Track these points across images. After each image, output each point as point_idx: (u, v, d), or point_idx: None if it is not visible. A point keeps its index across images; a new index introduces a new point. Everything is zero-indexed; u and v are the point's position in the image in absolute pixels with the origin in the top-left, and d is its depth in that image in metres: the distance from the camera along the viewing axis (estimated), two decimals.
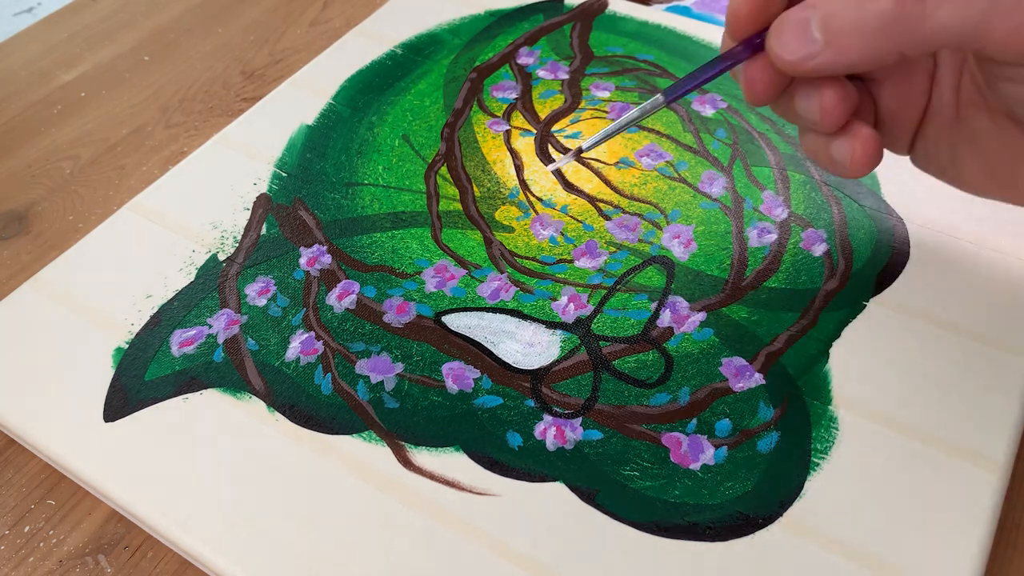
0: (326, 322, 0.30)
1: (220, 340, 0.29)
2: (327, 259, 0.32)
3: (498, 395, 0.27)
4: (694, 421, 0.26)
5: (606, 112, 0.37)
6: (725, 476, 0.25)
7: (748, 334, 0.28)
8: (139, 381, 0.28)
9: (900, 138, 0.26)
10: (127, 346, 0.29)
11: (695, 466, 0.25)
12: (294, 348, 0.29)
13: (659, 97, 0.25)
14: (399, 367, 0.28)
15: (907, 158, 0.26)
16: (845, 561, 0.23)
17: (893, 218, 0.32)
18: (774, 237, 0.31)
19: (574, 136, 0.36)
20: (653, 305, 0.30)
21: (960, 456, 0.25)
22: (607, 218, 0.33)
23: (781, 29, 0.23)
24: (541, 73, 0.40)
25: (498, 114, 0.38)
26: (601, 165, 0.35)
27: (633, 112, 0.26)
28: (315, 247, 0.32)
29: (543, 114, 0.38)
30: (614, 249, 0.32)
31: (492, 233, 0.33)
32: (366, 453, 0.26)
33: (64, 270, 0.32)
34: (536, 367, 0.28)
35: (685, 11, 0.44)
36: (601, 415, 0.27)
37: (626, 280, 0.30)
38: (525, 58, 0.40)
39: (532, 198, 0.34)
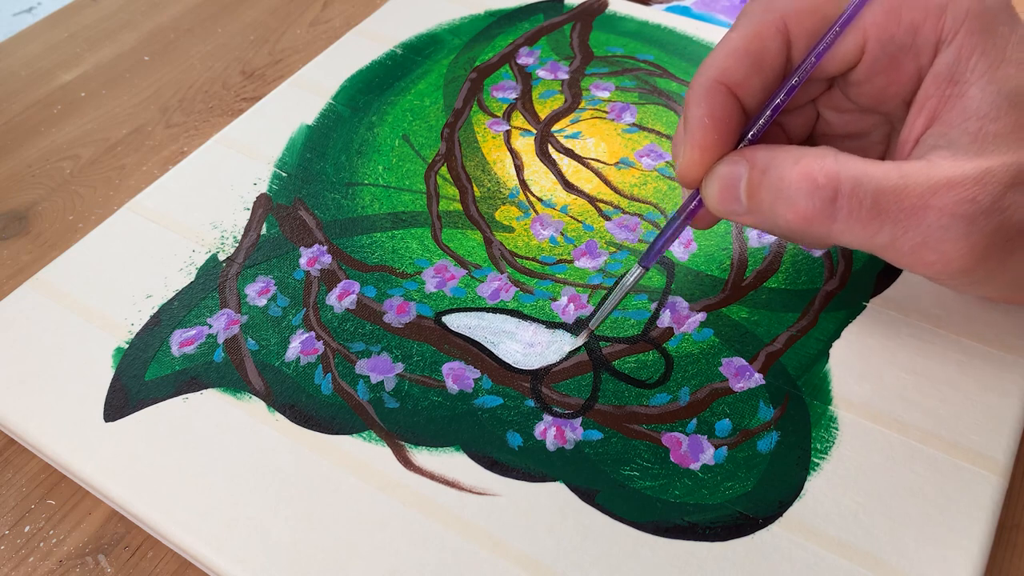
0: (326, 322, 0.30)
1: (220, 340, 0.29)
2: (327, 259, 0.32)
3: (498, 395, 0.27)
4: (694, 421, 0.26)
5: (606, 112, 0.37)
6: (725, 476, 0.25)
7: (748, 334, 0.28)
8: (139, 381, 0.28)
9: None
10: (127, 346, 0.29)
11: (695, 466, 0.25)
12: (294, 348, 0.29)
13: (638, 268, 0.26)
14: (399, 367, 0.28)
15: None
16: (845, 561, 0.23)
17: None
18: (774, 237, 0.31)
19: (574, 136, 0.36)
20: (653, 305, 0.30)
21: (960, 456, 0.25)
22: (607, 218, 0.33)
23: (713, 183, 0.24)
24: (541, 73, 0.40)
25: (498, 114, 0.38)
26: (601, 165, 0.35)
27: (623, 287, 0.27)
28: (315, 247, 0.32)
29: (543, 114, 0.38)
30: (614, 249, 0.32)
31: (492, 233, 0.33)
32: (366, 453, 0.26)
33: (64, 270, 0.32)
34: (536, 367, 0.28)
35: (685, 11, 0.44)
36: (601, 415, 0.27)
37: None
38: (525, 58, 0.40)
39: (532, 198, 0.34)
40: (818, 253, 0.31)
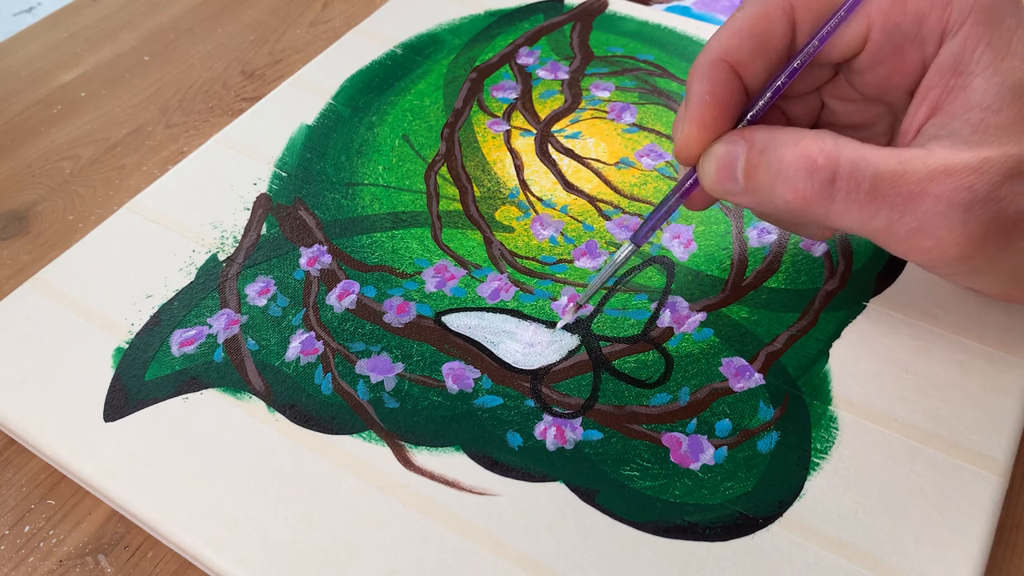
0: (326, 322, 0.30)
1: (220, 340, 0.29)
2: (327, 259, 0.32)
3: (498, 395, 0.27)
4: (694, 421, 0.26)
5: (606, 112, 0.37)
6: (725, 476, 0.25)
7: (748, 334, 0.28)
8: (139, 381, 0.28)
9: None
10: (127, 346, 0.29)
11: (695, 466, 0.25)
12: (294, 348, 0.29)
13: (629, 244, 0.26)
14: (399, 367, 0.28)
15: None
16: (845, 561, 0.23)
17: None
18: (774, 237, 0.31)
19: (574, 136, 0.36)
20: (653, 305, 0.30)
21: (960, 456, 0.25)
22: (607, 218, 0.33)
23: (710, 161, 0.24)
24: (541, 73, 0.40)
25: (498, 114, 0.38)
26: (601, 165, 0.35)
27: (613, 264, 0.27)
28: (315, 247, 0.32)
29: (543, 114, 0.38)
30: (614, 249, 0.32)
31: (492, 233, 0.33)
32: (366, 453, 0.26)
33: (64, 270, 0.32)
34: (536, 367, 0.28)
35: (685, 11, 0.44)
36: (601, 415, 0.27)
37: (626, 280, 0.30)
38: (525, 58, 0.40)
39: (532, 198, 0.34)
40: (819, 252, 0.31)
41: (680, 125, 0.25)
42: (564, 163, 0.35)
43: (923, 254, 0.22)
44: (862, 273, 0.30)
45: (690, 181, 0.25)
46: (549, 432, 0.26)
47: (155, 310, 0.30)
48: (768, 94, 0.24)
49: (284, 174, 0.35)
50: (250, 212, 0.34)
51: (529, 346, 0.29)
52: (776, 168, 0.22)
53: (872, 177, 0.21)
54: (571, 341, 0.29)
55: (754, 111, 0.24)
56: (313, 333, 0.29)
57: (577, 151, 0.36)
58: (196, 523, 0.25)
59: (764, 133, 0.23)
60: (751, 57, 0.24)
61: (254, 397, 0.28)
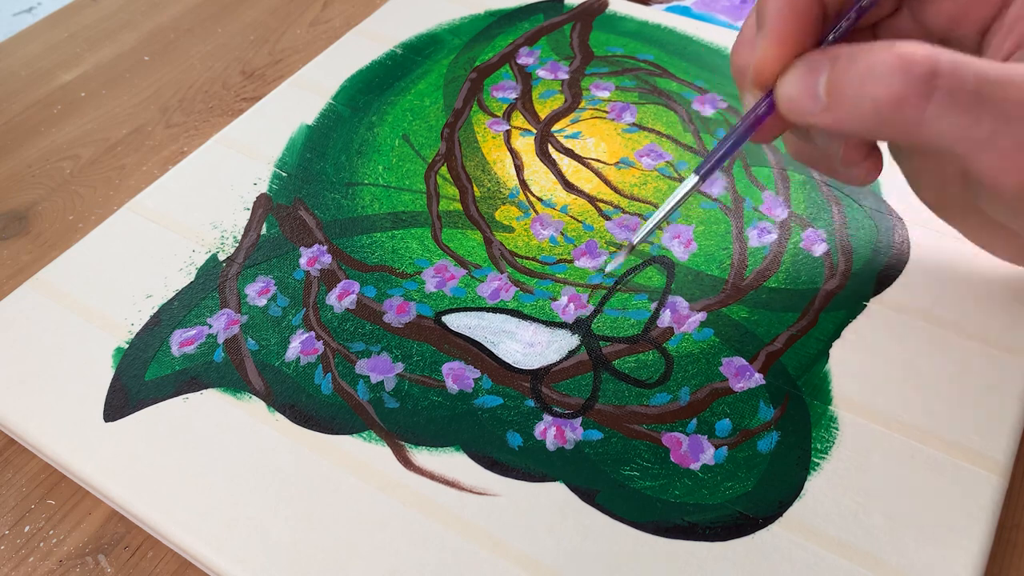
0: (326, 322, 0.30)
1: (220, 340, 0.29)
2: (327, 259, 0.32)
3: (498, 395, 0.27)
4: (694, 421, 0.26)
5: (606, 112, 0.37)
6: (725, 476, 0.25)
7: (748, 334, 0.28)
8: (139, 381, 0.28)
9: None
10: (127, 346, 0.29)
11: (695, 466, 0.25)
12: (294, 348, 0.29)
13: (694, 177, 0.24)
14: (399, 367, 0.28)
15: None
16: (845, 561, 0.23)
17: (893, 218, 0.32)
18: (774, 237, 0.31)
19: (574, 136, 0.36)
20: (653, 305, 0.30)
21: (960, 456, 0.25)
22: (607, 218, 0.33)
23: (790, 77, 0.22)
24: (541, 73, 0.40)
25: (498, 114, 0.38)
26: (601, 165, 0.35)
27: (674, 199, 0.24)
28: (315, 247, 0.32)
29: (543, 114, 0.38)
30: (614, 249, 0.32)
31: (492, 233, 0.33)
32: (366, 453, 0.26)
33: (64, 270, 0.32)
34: (536, 367, 0.28)
35: (685, 11, 0.44)
36: (601, 415, 0.27)
37: (626, 280, 0.30)
38: (525, 58, 0.40)
39: (532, 198, 0.34)
40: (819, 252, 0.31)
41: (756, 43, 0.23)
42: (564, 163, 0.35)
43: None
44: (862, 273, 0.30)
45: (764, 105, 0.23)
46: (549, 432, 0.26)
47: (155, 310, 0.30)
48: (852, 14, 0.22)
49: (284, 174, 0.35)
50: (250, 212, 0.34)
51: (529, 346, 0.29)
52: (867, 70, 0.20)
53: (976, 77, 0.19)
54: (571, 341, 0.29)
55: (838, 31, 0.22)
56: (313, 333, 0.29)
57: (577, 151, 0.36)
58: (196, 523, 0.25)
59: (851, 47, 0.20)
60: None
61: (254, 397, 0.28)
